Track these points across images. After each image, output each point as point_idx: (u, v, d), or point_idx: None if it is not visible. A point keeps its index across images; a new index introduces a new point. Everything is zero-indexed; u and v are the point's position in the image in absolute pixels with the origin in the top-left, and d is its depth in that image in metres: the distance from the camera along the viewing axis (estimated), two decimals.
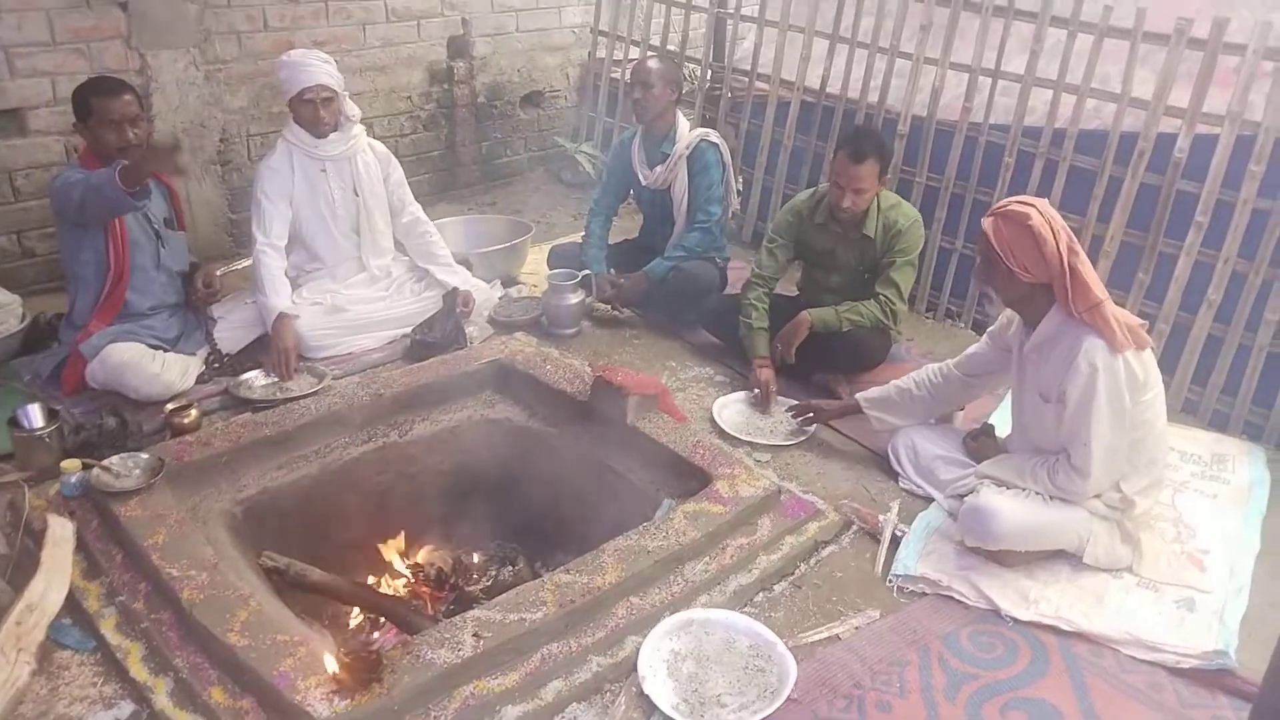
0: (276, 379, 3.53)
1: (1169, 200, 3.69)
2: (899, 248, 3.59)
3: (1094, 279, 2.61)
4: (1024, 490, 2.74)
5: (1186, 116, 3.61)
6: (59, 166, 4.19)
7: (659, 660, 2.35)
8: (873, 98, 4.64)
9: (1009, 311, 2.87)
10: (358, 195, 3.92)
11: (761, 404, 3.53)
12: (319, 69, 3.68)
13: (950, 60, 4.32)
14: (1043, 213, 2.60)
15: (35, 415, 3.02)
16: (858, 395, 3.26)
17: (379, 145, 4.04)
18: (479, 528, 3.42)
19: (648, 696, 2.24)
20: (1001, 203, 2.71)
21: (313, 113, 3.71)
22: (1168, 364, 3.65)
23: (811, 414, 3.35)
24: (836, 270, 3.77)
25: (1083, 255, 2.62)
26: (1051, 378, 2.68)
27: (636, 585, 2.51)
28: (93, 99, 3.24)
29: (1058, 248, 2.57)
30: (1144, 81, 3.73)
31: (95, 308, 3.41)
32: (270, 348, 3.60)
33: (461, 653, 2.21)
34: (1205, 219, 3.59)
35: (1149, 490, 2.74)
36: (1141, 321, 2.68)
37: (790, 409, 3.41)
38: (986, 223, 2.67)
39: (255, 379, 3.51)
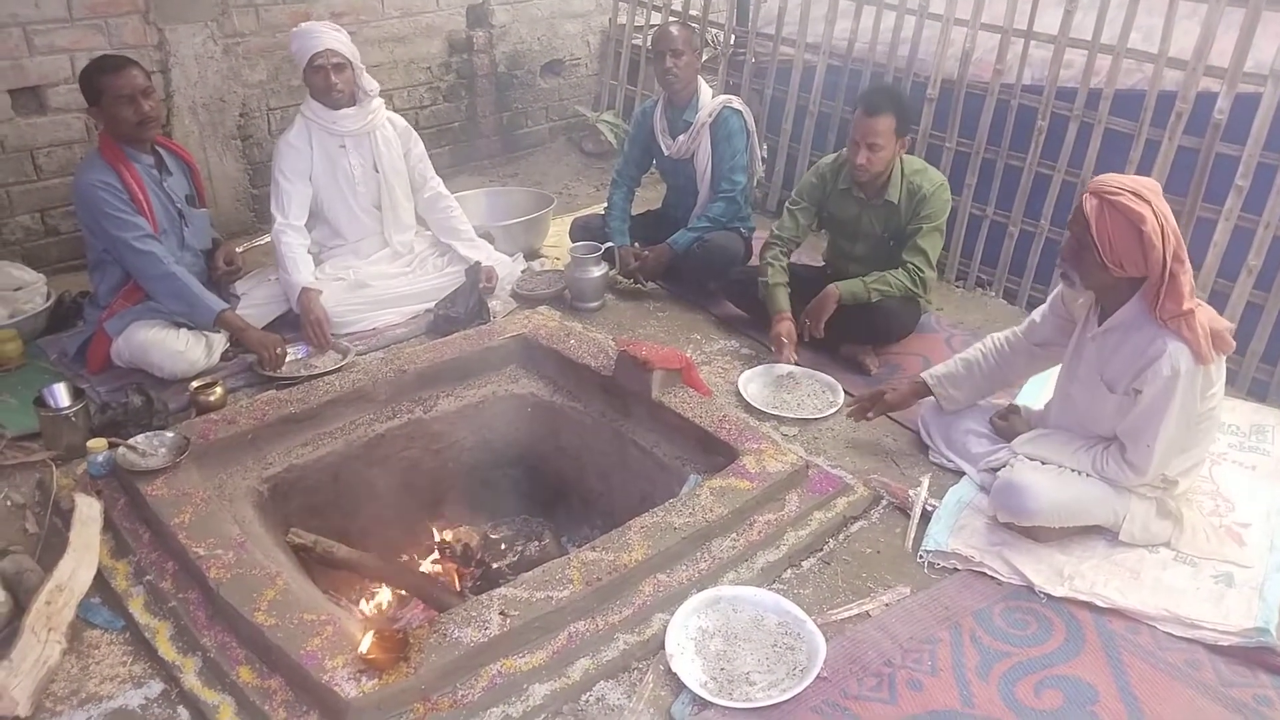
0: (305, 355, 3.52)
1: (1208, 163, 3.59)
2: (925, 213, 3.51)
3: (1190, 287, 2.43)
4: (1059, 466, 2.67)
5: (1227, 76, 3.50)
6: (80, 145, 4.19)
7: (687, 638, 2.33)
8: (901, 60, 4.54)
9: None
10: (378, 171, 3.89)
11: (781, 355, 3.49)
12: (328, 35, 3.67)
13: (981, 20, 4.21)
14: (1157, 213, 2.37)
15: (61, 394, 3.03)
16: (924, 373, 3.08)
17: (399, 119, 4.01)
18: (504, 503, 3.42)
19: (676, 674, 2.22)
20: (1111, 184, 2.43)
21: (324, 80, 3.68)
22: None
23: (877, 403, 3.09)
24: (861, 238, 3.71)
25: (1186, 262, 2.43)
26: (1121, 368, 2.55)
27: (663, 562, 2.49)
28: (99, 79, 3.22)
29: (1164, 254, 2.38)
30: (1183, 39, 3.62)
31: (120, 288, 3.40)
32: (301, 323, 3.60)
33: (489, 631, 2.20)
34: (1246, 183, 3.49)
35: (1191, 470, 2.67)
36: (1229, 325, 2.51)
37: (849, 407, 3.19)
38: (1090, 205, 2.42)
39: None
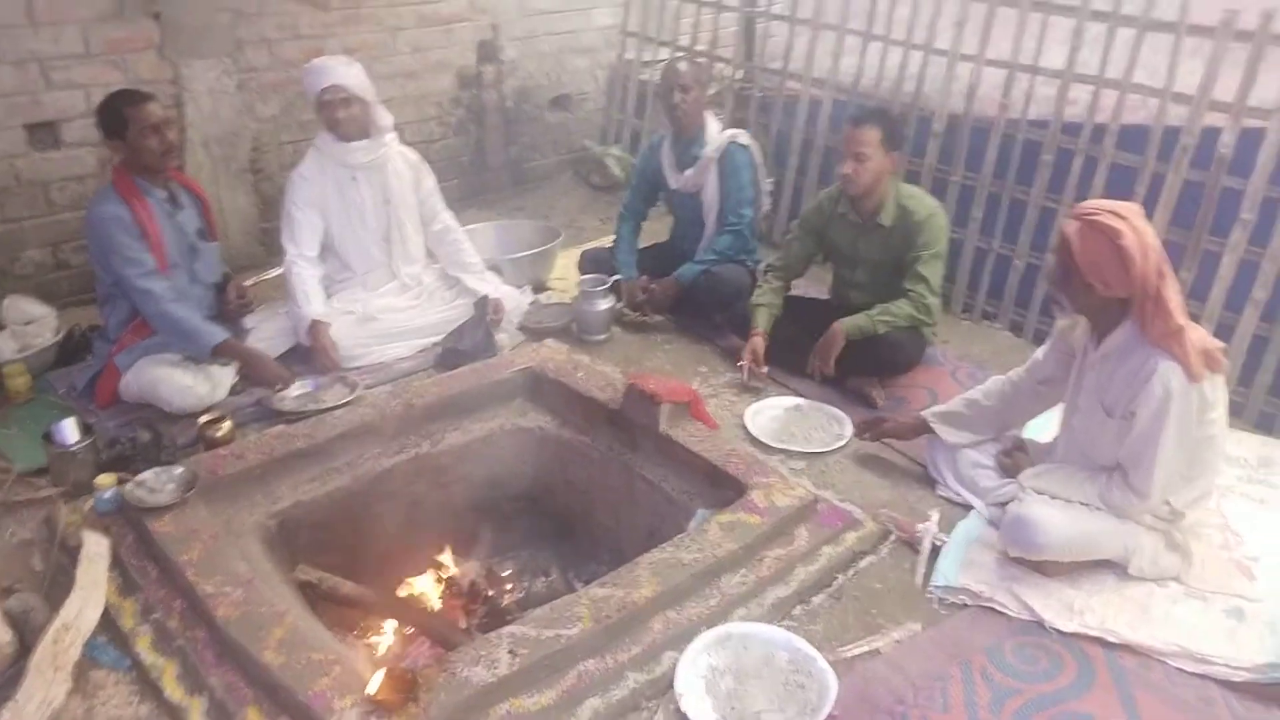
0: (314, 389, 3.52)
1: (1214, 197, 3.60)
2: (922, 241, 3.53)
3: (1178, 304, 2.45)
4: (1066, 499, 2.66)
5: (1232, 110, 3.52)
6: (92, 179, 4.23)
7: (697, 676, 2.31)
8: (907, 95, 4.57)
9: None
10: (388, 204, 3.92)
11: (747, 373, 3.60)
12: (336, 70, 3.71)
13: (987, 56, 4.24)
14: (1136, 230, 2.42)
15: (70, 430, 3.02)
16: (925, 412, 3.11)
17: (411, 153, 4.04)
18: (511, 538, 3.41)
19: (685, 714, 2.20)
20: (1091, 207, 2.51)
21: (329, 114, 3.72)
22: None
23: (878, 428, 3.19)
24: (860, 264, 3.74)
25: (1171, 278, 2.46)
26: (1118, 392, 2.56)
27: (673, 599, 2.47)
28: (125, 110, 3.26)
29: (1146, 270, 2.41)
30: (1188, 75, 3.64)
31: (130, 321, 3.43)
32: (311, 351, 3.64)
33: (498, 670, 2.19)
34: (1252, 216, 3.50)
35: (1198, 502, 2.66)
36: (1220, 345, 2.53)
37: (857, 427, 3.28)
38: (1071, 229, 2.48)
39: (288, 390, 3.50)
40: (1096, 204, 2.53)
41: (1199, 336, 2.49)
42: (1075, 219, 2.50)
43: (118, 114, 3.26)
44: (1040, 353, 2.94)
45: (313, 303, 3.71)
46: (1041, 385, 2.92)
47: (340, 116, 3.72)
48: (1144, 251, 2.41)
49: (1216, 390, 2.53)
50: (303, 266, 3.76)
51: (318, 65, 3.76)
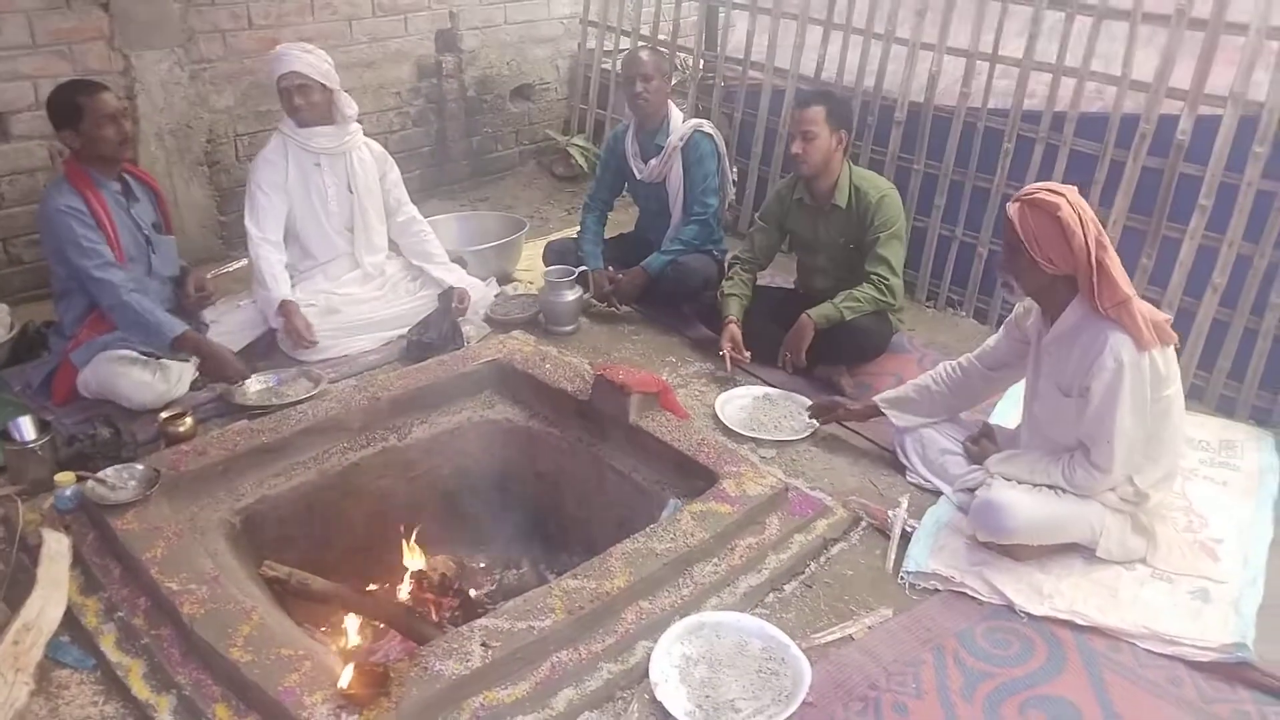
0: (276, 383, 3.46)
1: (1172, 183, 3.65)
2: (879, 222, 3.56)
3: (1121, 274, 2.53)
4: (1033, 484, 2.70)
5: (1189, 98, 3.57)
6: (43, 172, 4.13)
7: (671, 666, 2.31)
8: (868, 84, 4.59)
9: (1027, 301, 2.81)
10: (352, 192, 3.89)
11: (729, 363, 3.62)
12: (296, 58, 3.68)
13: (947, 45, 4.27)
14: (1072, 203, 2.51)
15: (27, 427, 2.95)
16: (876, 397, 3.17)
17: (376, 145, 4.03)
18: (482, 531, 3.37)
19: (660, 703, 2.20)
20: (1029, 189, 2.61)
21: (288, 101, 3.71)
22: None
23: (832, 412, 3.27)
24: (821, 249, 3.78)
25: (1111, 250, 2.53)
26: (1073, 371, 2.62)
27: (645, 589, 2.47)
28: (80, 99, 3.18)
29: (1086, 241, 2.48)
30: (1144, 63, 3.69)
31: (86, 317, 3.35)
32: (283, 330, 3.63)
33: (470, 663, 2.17)
34: (1209, 202, 3.55)
35: (1162, 483, 2.70)
36: (1166, 317, 2.59)
37: (810, 408, 3.33)
38: (1012, 209, 2.57)
39: (250, 384, 3.44)
40: (1035, 185, 2.63)
41: (1146, 309, 2.56)
42: (1015, 201, 2.59)
43: (71, 103, 3.18)
44: (992, 340, 3.01)
45: (280, 284, 3.68)
46: (992, 371, 3.01)
47: (298, 103, 3.69)
48: (1082, 222, 2.49)
49: (1170, 365, 2.59)
50: (268, 250, 3.72)
51: (279, 51, 3.73)
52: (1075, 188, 2.61)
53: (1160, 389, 2.56)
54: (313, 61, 3.69)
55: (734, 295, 3.77)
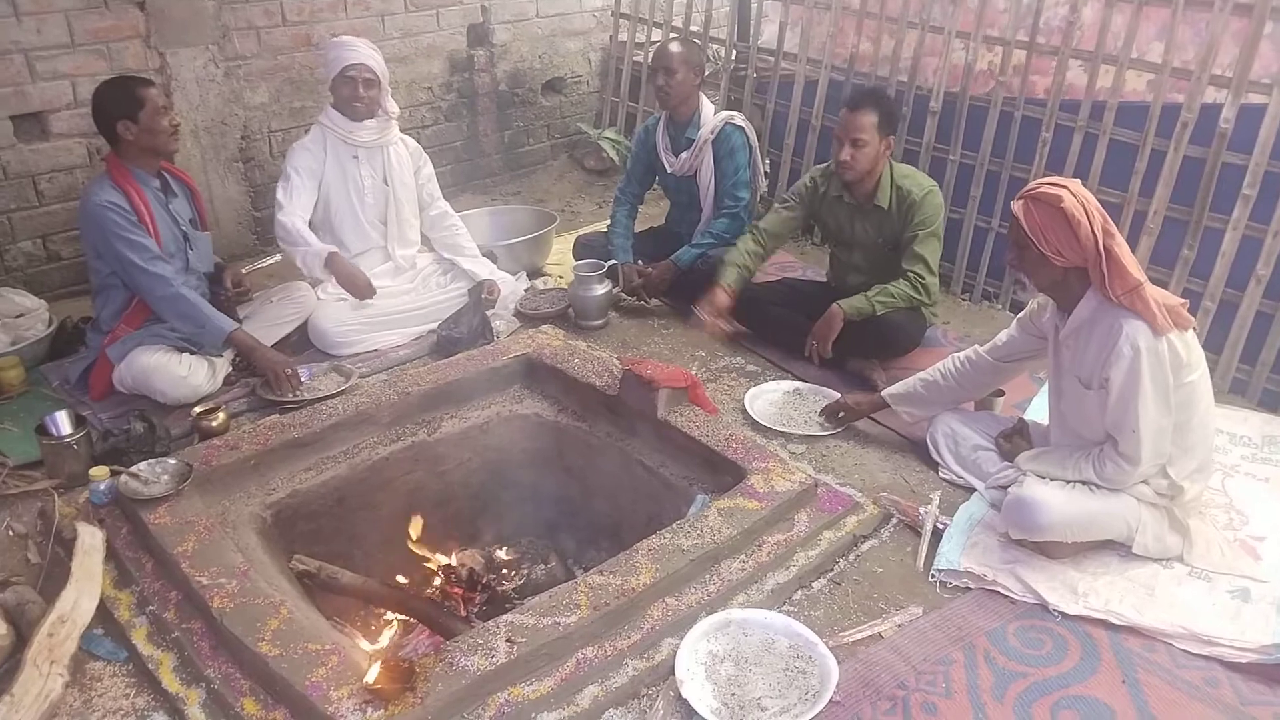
0: (308, 377, 3.48)
1: (1214, 173, 3.57)
2: (918, 220, 3.51)
3: (1131, 261, 2.51)
4: (1064, 480, 2.65)
5: (1232, 85, 3.48)
6: (81, 170, 4.19)
7: (697, 663, 2.30)
8: (904, 73, 4.53)
9: (1041, 296, 2.79)
10: (388, 185, 3.93)
11: (701, 321, 3.68)
12: (364, 50, 3.75)
13: (984, 33, 4.20)
14: (1075, 194, 2.50)
15: (63, 422, 3.01)
16: (883, 392, 3.18)
17: (411, 140, 4.08)
18: (510, 525, 3.39)
19: (686, 700, 2.19)
20: (1031, 185, 2.61)
21: (352, 90, 3.74)
22: (1214, 343, 3.55)
23: (841, 414, 3.26)
24: (857, 246, 3.72)
25: (1119, 237, 2.52)
26: (1092, 363, 2.59)
27: (672, 585, 2.45)
28: (139, 90, 3.24)
29: (1092, 230, 2.47)
30: (1186, 50, 3.60)
31: (123, 312, 3.39)
32: (343, 284, 3.73)
33: (495, 659, 2.17)
34: (1253, 191, 3.47)
35: (1197, 475, 2.64)
36: (1182, 301, 2.56)
37: (821, 413, 3.31)
38: (1016, 206, 2.57)
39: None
40: (1039, 180, 2.62)
41: (1159, 293, 2.53)
42: (1020, 198, 2.59)
43: (132, 94, 3.23)
44: (1004, 335, 2.98)
45: (320, 241, 3.75)
46: (1003, 363, 2.99)
47: (363, 95, 3.74)
48: (1087, 212, 2.48)
49: (1190, 349, 2.55)
50: (298, 218, 3.77)
51: (345, 41, 3.80)
52: (1078, 180, 2.61)
53: (1182, 375, 2.52)
54: (375, 55, 3.77)
55: (735, 265, 3.73)
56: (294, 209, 3.77)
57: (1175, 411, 2.53)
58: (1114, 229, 2.52)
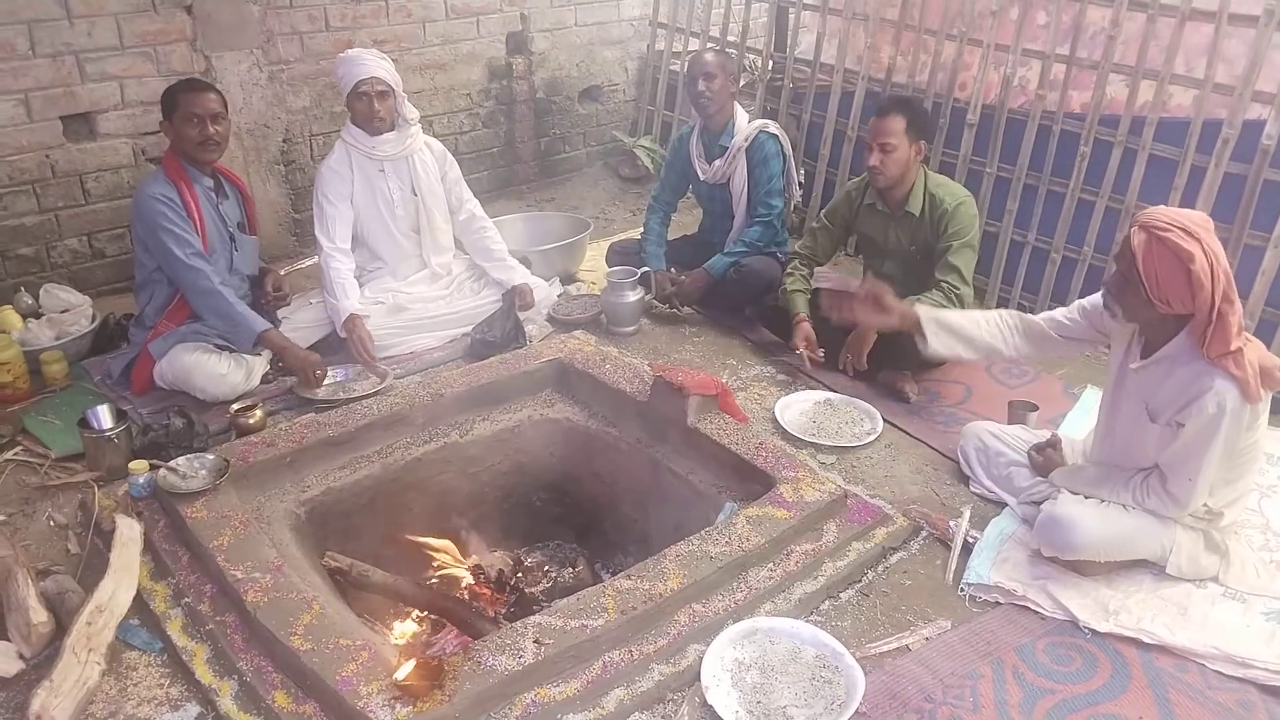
0: (344, 378, 3.55)
1: (1255, 190, 3.52)
2: (952, 230, 3.49)
3: (1239, 326, 2.36)
4: (1102, 499, 2.62)
5: (1276, 101, 3.44)
6: (127, 169, 4.27)
7: (722, 669, 2.30)
8: (941, 85, 4.51)
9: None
10: (416, 194, 3.94)
11: (803, 361, 3.61)
12: (374, 63, 3.73)
13: (1023, 46, 4.18)
14: (1207, 252, 2.28)
15: (104, 416, 3.07)
16: (918, 308, 2.95)
17: (435, 143, 4.06)
18: (538, 528, 3.41)
19: (711, 707, 2.19)
20: (1160, 218, 2.33)
21: (367, 106, 3.73)
22: None
23: (838, 312, 3.06)
24: (890, 255, 3.72)
25: (1237, 302, 2.35)
26: (1166, 400, 2.47)
27: (699, 592, 2.46)
28: (179, 95, 3.34)
29: (1212, 294, 2.30)
30: (1229, 65, 3.57)
31: (165, 307, 3.46)
32: (347, 344, 3.66)
33: (523, 660, 2.19)
34: None
35: (1236, 502, 2.60)
36: (1278, 363, 2.43)
37: (827, 306, 3.16)
38: (1138, 240, 2.33)
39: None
40: (1168, 217, 2.34)
41: (1257, 354, 2.39)
42: (1144, 230, 2.34)
43: (173, 97, 3.33)
44: (1063, 312, 2.81)
45: (350, 296, 3.73)
46: (1055, 336, 2.80)
47: (378, 109, 3.73)
48: (1213, 276, 2.29)
49: (1265, 409, 2.48)
50: (339, 260, 3.77)
51: (354, 56, 3.76)
52: (1209, 222, 2.36)
53: (1253, 432, 2.46)
54: (387, 67, 3.76)
55: (799, 291, 3.74)
56: (334, 244, 3.78)
57: (1233, 463, 2.48)
58: (1234, 293, 2.34)
